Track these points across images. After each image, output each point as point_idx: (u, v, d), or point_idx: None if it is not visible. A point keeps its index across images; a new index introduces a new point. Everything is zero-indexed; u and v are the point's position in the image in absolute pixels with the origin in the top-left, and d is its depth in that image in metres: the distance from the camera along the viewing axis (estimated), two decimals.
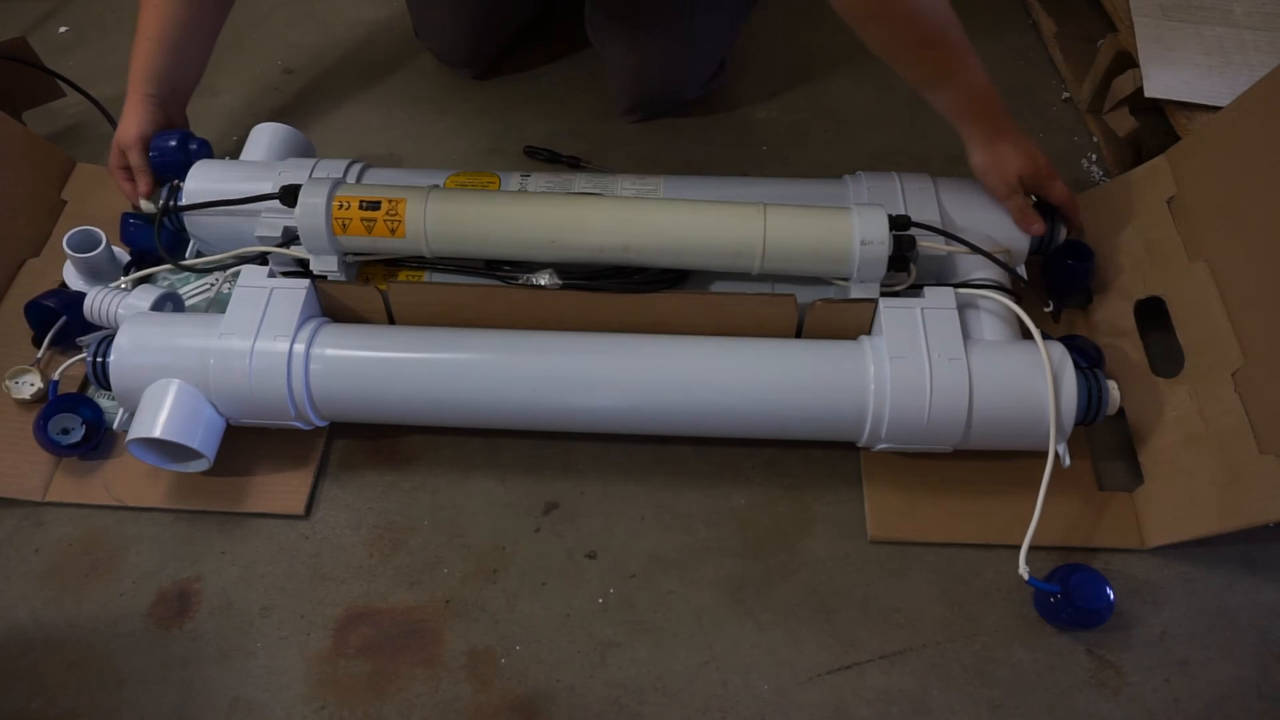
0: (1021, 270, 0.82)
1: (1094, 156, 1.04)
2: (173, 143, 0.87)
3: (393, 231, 0.76)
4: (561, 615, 0.74)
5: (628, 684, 0.71)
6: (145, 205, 0.88)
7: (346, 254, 0.80)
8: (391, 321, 0.81)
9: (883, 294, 0.77)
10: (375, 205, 0.76)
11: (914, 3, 0.73)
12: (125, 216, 0.89)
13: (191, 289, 0.87)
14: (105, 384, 0.75)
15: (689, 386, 0.74)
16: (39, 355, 0.84)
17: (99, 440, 0.81)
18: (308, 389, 0.75)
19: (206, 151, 0.90)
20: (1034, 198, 0.82)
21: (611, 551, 0.78)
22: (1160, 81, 0.91)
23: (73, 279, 0.88)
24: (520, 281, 0.80)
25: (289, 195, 0.77)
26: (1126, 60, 0.98)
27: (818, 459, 0.82)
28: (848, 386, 0.73)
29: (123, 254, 0.90)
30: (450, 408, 0.76)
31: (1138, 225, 0.86)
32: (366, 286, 0.79)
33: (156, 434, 0.71)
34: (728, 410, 0.75)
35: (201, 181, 0.85)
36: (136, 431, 0.72)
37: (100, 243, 0.86)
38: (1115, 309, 0.85)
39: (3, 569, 0.77)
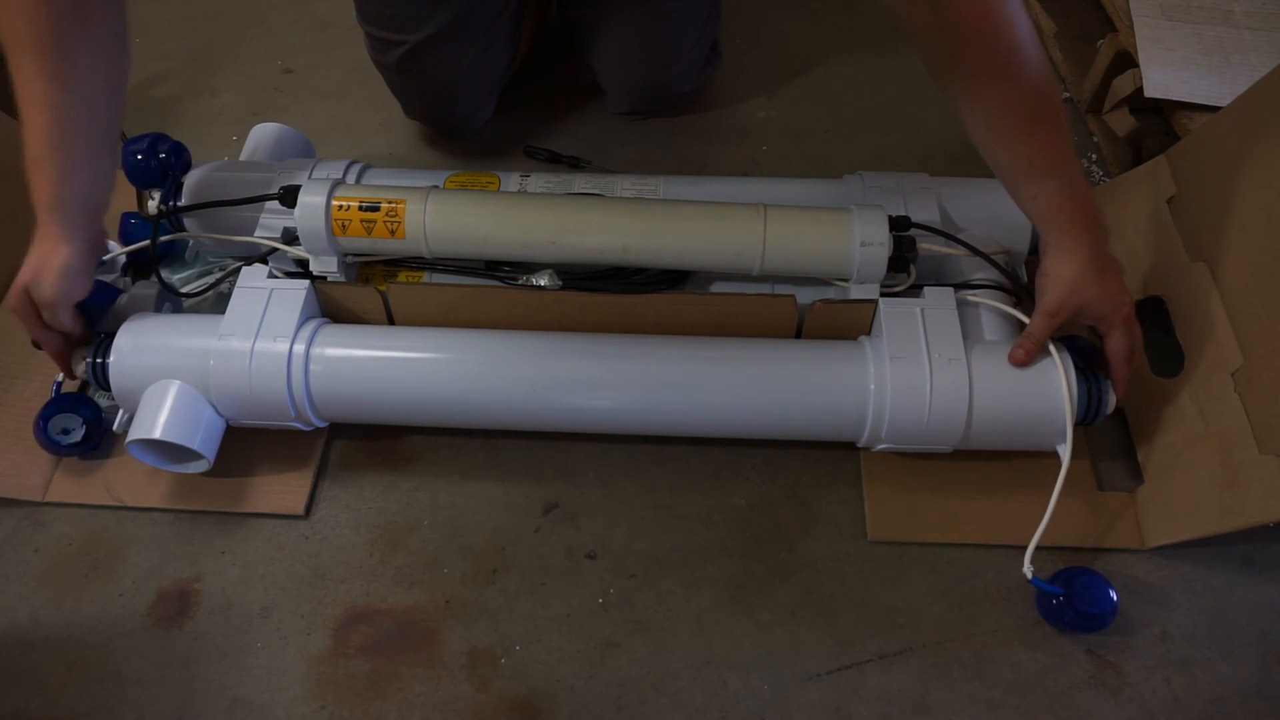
0: (1021, 272, 0.82)
1: (1094, 156, 1.04)
2: (144, 146, 0.84)
3: (392, 232, 0.76)
4: (561, 615, 0.74)
5: (628, 684, 0.71)
6: (78, 370, 0.77)
7: (346, 255, 0.80)
8: (391, 322, 0.81)
9: (882, 294, 0.76)
10: (375, 206, 0.76)
11: (1037, 63, 0.64)
12: (125, 216, 0.89)
13: (190, 289, 0.87)
14: (105, 385, 0.75)
15: (689, 386, 0.74)
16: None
17: (99, 440, 0.81)
18: (308, 389, 0.75)
19: (184, 156, 0.87)
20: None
21: (611, 551, 0.78)
22: (1160, 81, 0.91)
23: None
24: (520, 282, 0.80)
25: (289, 196, 0.77)
26: (1126, 60, 0.98)
27: (818, 459, 0.82)
28: (848, 387, 0.73)
29: (115, 248, 0.89)
30: (450, 408, 0.76)
31: (1138, 225, 0.86)
32: (366, 287, 0.79)
33: (156, 435, 0.71)
34: (728, 410, 0.75)
35: (201, 182, 0.85)
36: (136, 432, 0.72)
37: None
38: None
39: (3, 569, 0.77)
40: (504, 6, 0.98)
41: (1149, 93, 0.91)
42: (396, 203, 0.76)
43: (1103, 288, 0.70)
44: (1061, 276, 0.70)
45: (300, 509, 0.79)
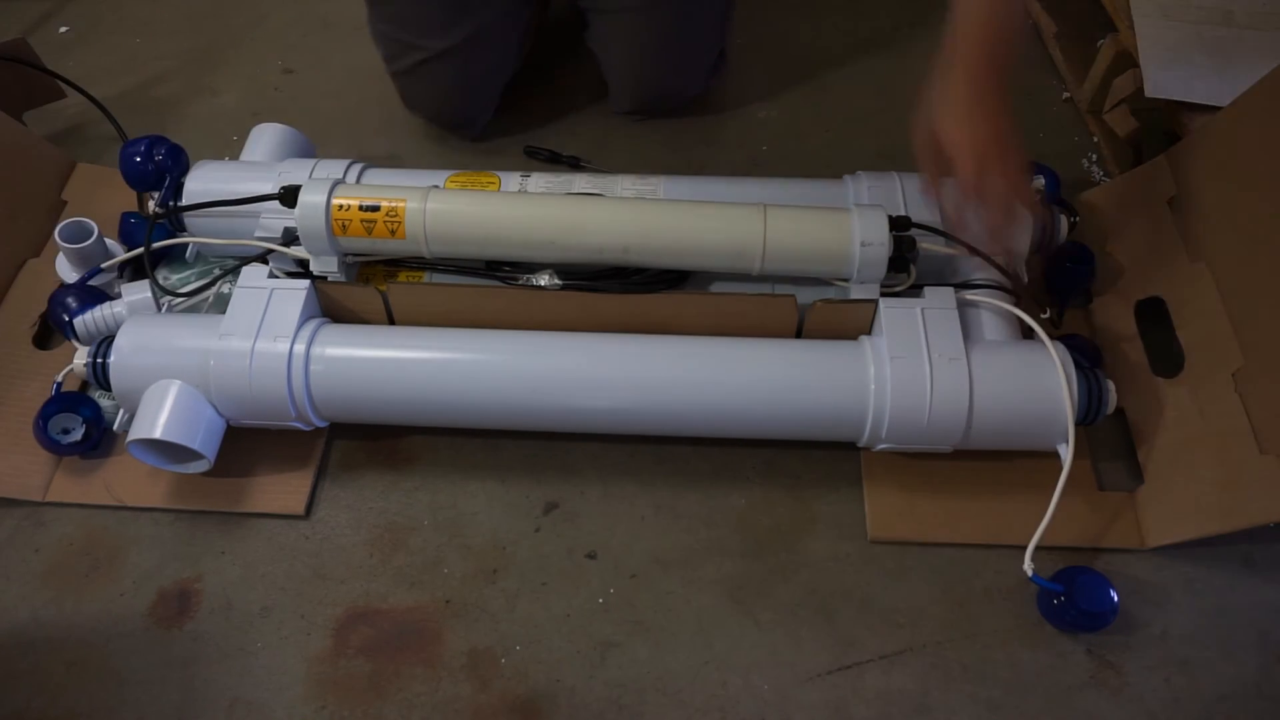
0: (1022, 271, 0.82)
1: (1094, 156, 1.04)
2: (141, 149, 0.84)
3: (392, 232, 0.76)
4: (561, 615, 0.74)
5: (628, 684, 0.71)
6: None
7: (346, 255, 0.80)
8: (391, 322, 0.81)
9: (883, 294, 0.76)
10: (375, 206, 0.76)
11: None
12: (125, 216, 0.89)
13: (190, 289, 0.87)
14: (105, 385, 0.75)
15: (689, 386, 0.74)
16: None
17: (99, 440, 0.81)
18: (308, 389, 0.75)
19: (182, 159, 0.87)
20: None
21: (611, 551, 0.78)
22: (1160, 81, 0.91)
23: (65, 271, 0.88)
24: (520, 282, 0.80)
25: (289, 196, 0.77)
26: (1126, 60, 0.98)
27: (818, 459, 0.82)
28: (848, 387, 0.73)
29: (115, 245, 0.89)
30: (450, 408, 0.76)
31: (1138, 225, 0.86)
32: (366, 287, 0.79)
33: (156, 435, 0.71)
34: (728, 410, 0.75)
35: (201, 182, 0.85)
36: (137, 432, 0.72)
37: (92, 233, 0.86)
38: (1115, 309, 0.85)
39: (3, 569, 0.77)
40: (520, 17, 0.98)
41: (1149, 93, 0.91)
42: (396, 203, 0.76)
43: (969, 127, 0.61)
44: (928, 97, 0.64)
45: (300, 509, 0.79)
